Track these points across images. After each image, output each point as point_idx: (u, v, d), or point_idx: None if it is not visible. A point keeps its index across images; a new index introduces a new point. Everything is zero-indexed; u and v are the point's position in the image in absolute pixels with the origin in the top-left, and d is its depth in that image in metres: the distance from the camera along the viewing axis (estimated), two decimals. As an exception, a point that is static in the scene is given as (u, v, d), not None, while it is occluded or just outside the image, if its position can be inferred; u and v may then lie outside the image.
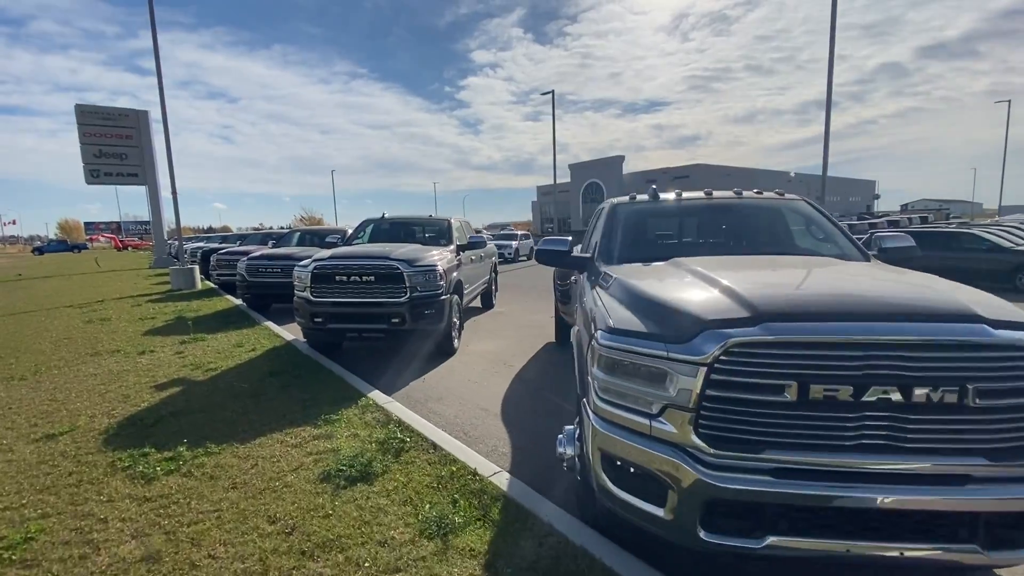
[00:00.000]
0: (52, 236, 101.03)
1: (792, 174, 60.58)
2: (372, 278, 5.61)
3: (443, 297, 5.84)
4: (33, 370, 5.82)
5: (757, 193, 3.77)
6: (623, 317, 2.12)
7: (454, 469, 3.08)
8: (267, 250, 10.38)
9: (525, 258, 27.02)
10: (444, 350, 6.30)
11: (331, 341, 6.29)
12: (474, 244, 7.33)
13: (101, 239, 77.52)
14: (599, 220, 4.38)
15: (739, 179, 53.67)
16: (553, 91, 29.23)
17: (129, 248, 65.03)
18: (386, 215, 8.15)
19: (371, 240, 7.70)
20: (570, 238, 3.49)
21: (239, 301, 11.11)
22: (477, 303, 9.71)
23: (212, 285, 14.59)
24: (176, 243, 31.95)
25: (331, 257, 5.82)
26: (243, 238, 18.29)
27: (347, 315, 5.66)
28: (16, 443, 3.74)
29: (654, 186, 3.81)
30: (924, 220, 25.93)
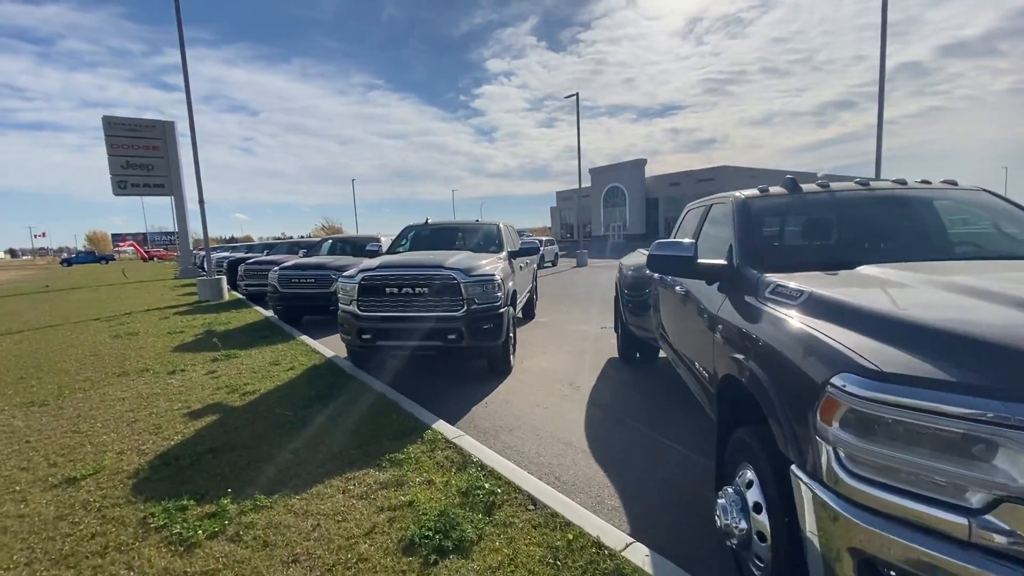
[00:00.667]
0: (80, 247, 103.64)
1: (820, 175, 58.95)
2: (426, 289, 5.00)
3: (502, 310, 5.21)
4: (56, 393, 5.33)
5: (923, 182, 3.06)
6: (893, 356, 1.43)
7: (570, 537, 2.42)
8: (299, 260, 9.90)
9: (550, 264, 26.37)
10: (500, 369, 5.66)
11: (372, 357, 5.69)
12: (526, 250, 6.70)
13: (125, 247, 79.00)
14: (706, 219, 3.71)
15: (765, 180, 51.51)
16: (577, 94, 28.64)
17: (154, 259, 66.05)
18: (430, 220, 7.56)
19: (412, 247, 7.11)
20: (694, 241, 2.82)
21: (269, 313, 10.65)
22: (518, 313, 9.07)
23: (240, 296, 14.22)
24: (202, 253, 32.10)
25: (380, 267, 5.24)
26: (270, 247, 17.99)
27: (398, 331, 5.06)
28: (32, 489, 3.19)
29: (790, 176, 3.14)
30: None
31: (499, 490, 2.87)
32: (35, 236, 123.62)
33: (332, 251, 11.19)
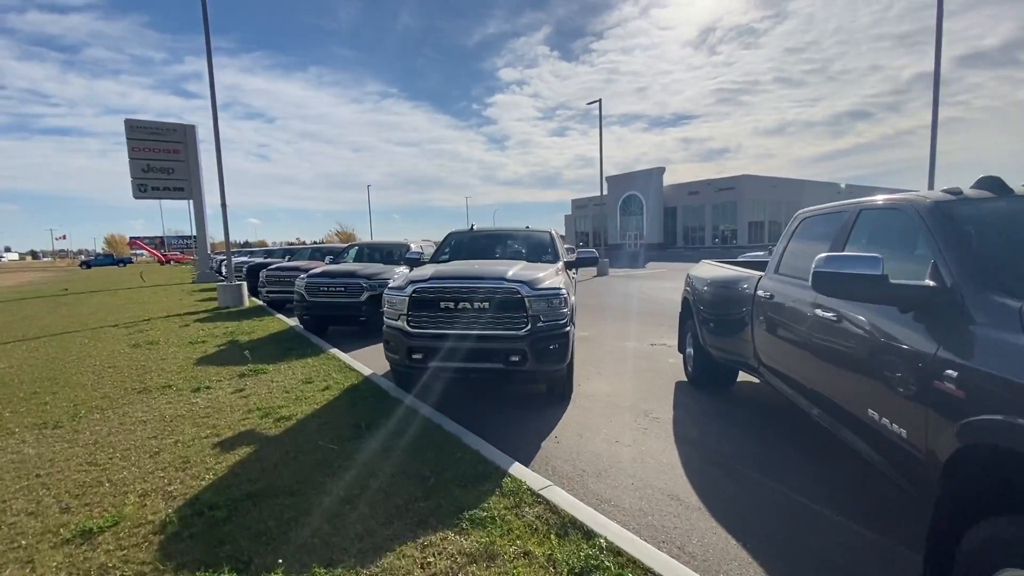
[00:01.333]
0: (99, 250, 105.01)
1: (843, 185, 57.88)
2: (486, 304, 4.41)
3: (568, 329, 4.60)
4: (71, 413, 4.81)
5: None
6: None
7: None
8: (327, 267, 9.38)
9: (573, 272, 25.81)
10: (560, 393, 5.05)
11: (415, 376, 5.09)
12: (584, 260, 6.08)
13: (143, 252, 79.69)
14: (852, 229, 3.07)
15: (787, 190, 51.34)
16: (600, 100, 28.10)
17: (171, 262, 66.47)
18: (475, 226, 6.98)
19: (455, 256, 6.50)
20: (879, 256, 2.19)
21: (293, 322, 10.13)
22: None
23: (260, 303, 13.77)
24: (221, 258, 31.92)
25: (433, 278, 4.65)
26: (291, 253, 17.57)
27: (454, 351, 4.47)
28: (40, 544, 2.63)
29: (982, 176, 2.51)
30: None
31: (623, 572, 2.24)
32: (56, 239, 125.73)
33: (359, 257, 10.68)
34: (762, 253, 18.43)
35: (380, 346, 8.11)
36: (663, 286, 17.53)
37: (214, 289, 18.66)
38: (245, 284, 13.62)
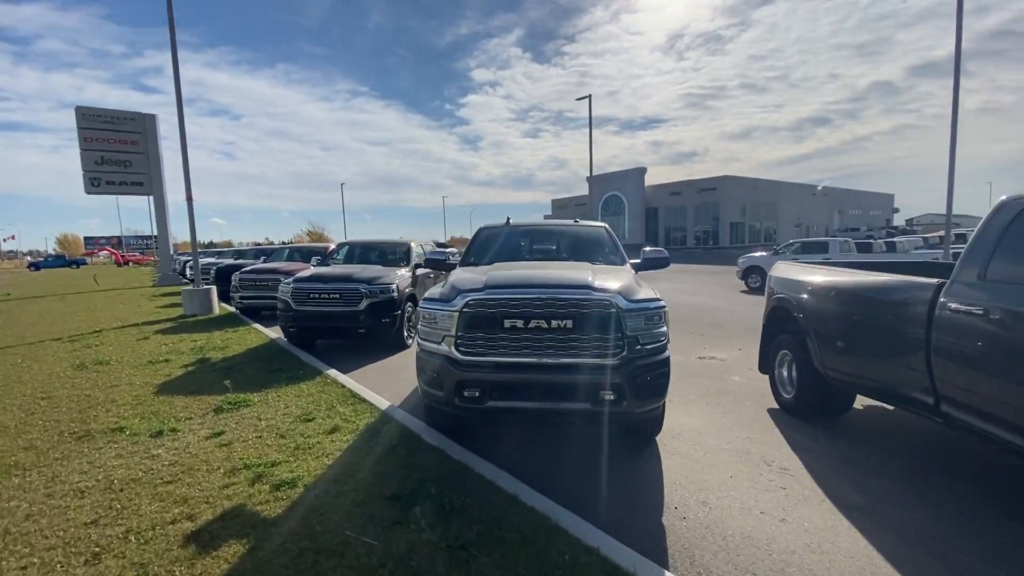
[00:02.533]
0: (52, 251, 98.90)
1: (820, 187, 58.70)
2: (568, 322, 3.23)
3: (666, 354, 3.46)
4: (-24, 478, 3.41)
5: None
6: None
7: None
8: (316, 270, 7.99)
9: None
10: (647, 433, 3.91)
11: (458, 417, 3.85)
12: (654, 262, 4.93)
13: (101, 254, 75.15)
14: None
15: (767, 191, 51.66)
16: (590, 96, 27.22)
17: (130, 263, 62.71)
18: (511, 220, 5.72)
19: (495, 258, 5.12)
20: None
21: (274, 333, 8.72)
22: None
23: (232, 310, 12.21)
24: (186, 259, 29.63)
25: (492, 287, 3.42)
26: (266, 253, 15.91)
27: (525, 387, 3.27)
28: None
29: None
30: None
31: None
32: (4, 239, 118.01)
33: (350, 258, 9.31)
34: (763, 254, 17.72)
35: (387, 364, 7.09)
36: (663, 287, 16.60)
37: (178, 294, 16.86)
38: (215, 289, 12.03)
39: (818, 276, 4.32)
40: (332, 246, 12.96)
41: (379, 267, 8.12)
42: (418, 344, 3.69)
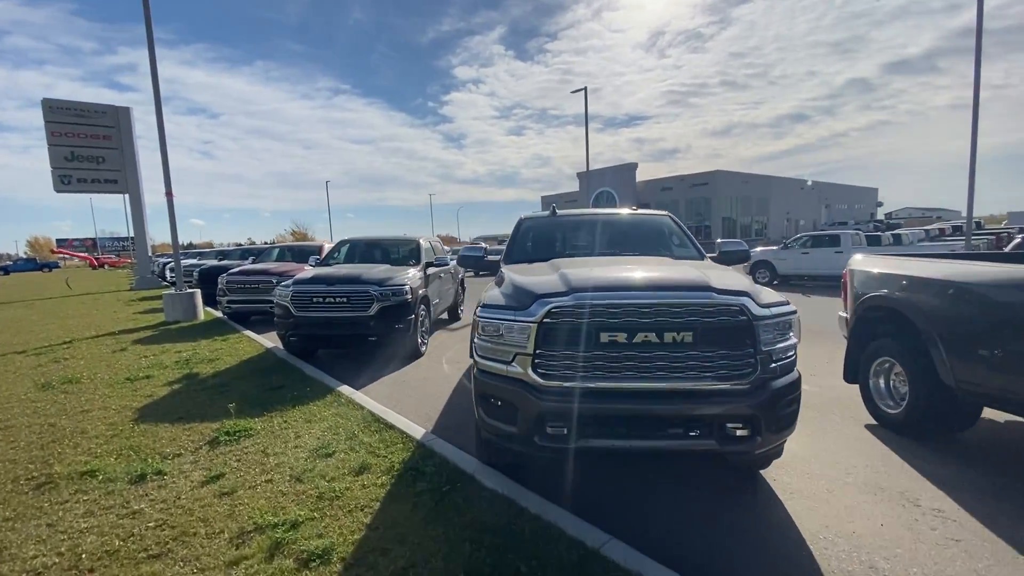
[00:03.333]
0: (23, 254, 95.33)
1: (809, 182, 58.93)
2: (687, 333, 2.47)
3: (798, 373, 2.74)
4: None
5: None
6: None
7: None
8: (318, 270, 7.12)
9: None
10: (757, 467, 3.19)
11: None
12: (733, 256, 4.19)
13: (73, 257, 72.38)
14: None
15: (757, 186, 51.62)
16: (585, 88, 26.51)
17: (105, 266, 60.44)
18: (555, 210, 4.90)
19: (546, 255, 4.19)
20: None
21: (269, 341, 7.84)
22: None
23: (219, 315, 11.24)
24: (165, 260, 28.23)
25: (578, 289, 2.63)
26: (254, 253, 14.88)
27: (632, 420, 2.51)
28: None
29: None
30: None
31: None
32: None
33: (352, 257, 8.44)
34: (777, 247, 17.18)
35: (403, 377, 6.09)
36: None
37: (158, 298, 15.78)
38: (199, 292, 11.05)
39: (943, 269, 3.62)
40: (326, 245, 12.05)
41: (387, 267, 7.29)
42: (476, 364, 2.92)
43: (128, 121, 21.71)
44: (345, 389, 5.14)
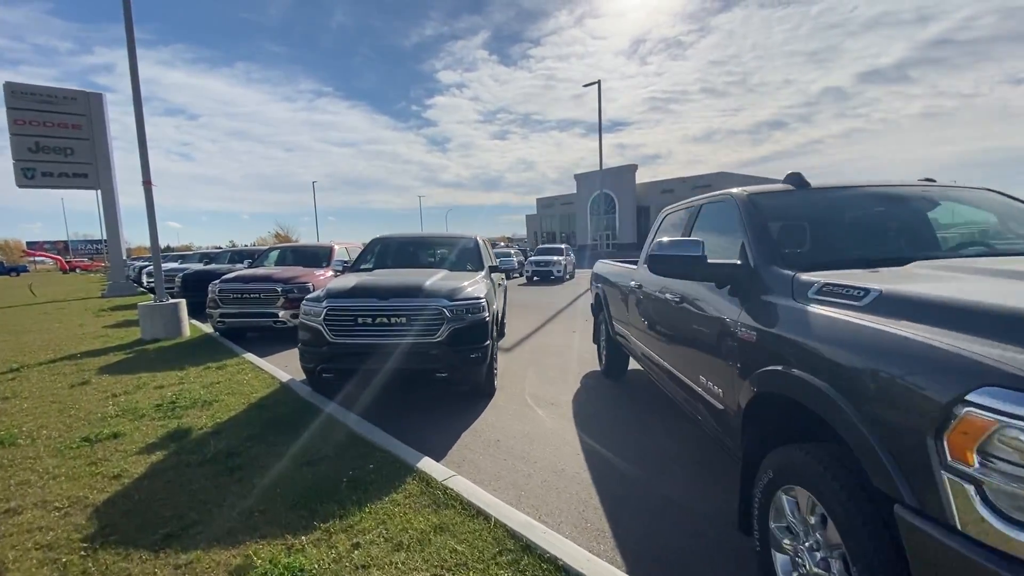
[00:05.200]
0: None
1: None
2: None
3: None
4: None
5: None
6: None
7: None
8: (359, 279, 5.18)
9: (569, 278, 21.22)
10: None
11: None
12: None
13: (45, 259, 68.67)
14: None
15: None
16: (599, 82, 24.99)
17: (77, 270, 57.21)
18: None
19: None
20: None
21: (281, 370, 5.97)
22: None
23: (208, 330, 9.27)
24: (141, 264, 25.81)
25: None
26: (250, 256, 12.82)
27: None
28: None
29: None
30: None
31: None
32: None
33: (384, 261, 6.57)
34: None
35: (486, 430, 4.32)
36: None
37: (132, 307, 13.69)
38: (183, 303, 9.07)
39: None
40: (336, 246, 10.19)
41: (446, 273, 5.47)
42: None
43: (100, 109, 19.51)
44: (433, 468, 3.32)
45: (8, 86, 18.01)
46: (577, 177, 55.75)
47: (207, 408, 4.76)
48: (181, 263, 18.09)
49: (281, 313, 8.10)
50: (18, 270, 57.59)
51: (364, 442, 3.77)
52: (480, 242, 6.49)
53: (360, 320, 4.43)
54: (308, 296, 4.85)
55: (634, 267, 4.75)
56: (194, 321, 10.24)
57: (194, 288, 11.69)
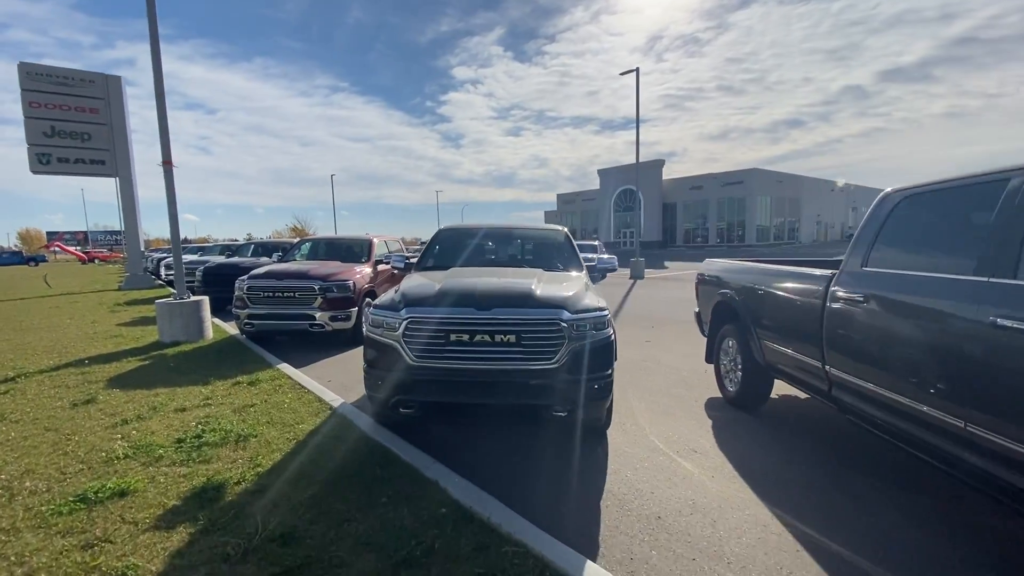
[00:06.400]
0: (14, 246, 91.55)
1: (840, 183, 56.25)
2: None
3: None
4: None
5: None
6: None
7: None
8: (451, 280, 3.96)
9: (602, 277, 20.16)
10: None
11: None
12: None
13: (66, 251, 68.86)
14: None
15: (790, 186, 48.84)
16: (637, 69, 23.54)
17: (96, 260, 57.11)
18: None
19: None
20: None
21: (331, 394, 4.83)
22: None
23: (232, 332, 8.20)
24: (160, 256, 24.97)
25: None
26: (280, 248, 11.70)
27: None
28: None
29: None
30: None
31: None
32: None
33: (456, 258, 5.35)
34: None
35: (640, 501, 2.63)
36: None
37: (150, 301, 12.72)
38: (206, 301, 7.99)
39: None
40: (375, 239, 9.05)
41: (550, 274, 4.27)
42: None
43: (119, 92, 18.61)
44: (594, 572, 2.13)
45: (23, 66, 17.16)
46: (601, 173, 54.28)
47: (242, 446, 3.62)
48: (201, 255, 17.11)
49: (318, 315, 6.98)
50: (36, 260, 57.62)
51: (479, 522, 2.59)
52: (570, 236, 5.29)
53: (454, 337, 3.24)
54: (378, 303, 3.67)
55: (820, 271, 3.52)
56: (216, 320, 9.19)
57: (215, 283, 10.67)
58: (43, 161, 17.31)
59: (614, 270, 4.97)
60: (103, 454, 3.55)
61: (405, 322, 3.29)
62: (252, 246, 13.48)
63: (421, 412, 3.36)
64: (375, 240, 8.97)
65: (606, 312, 3.48)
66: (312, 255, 9.32)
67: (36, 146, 17.22)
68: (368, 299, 7.79)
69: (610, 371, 3.42)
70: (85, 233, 75.22)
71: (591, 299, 3.56)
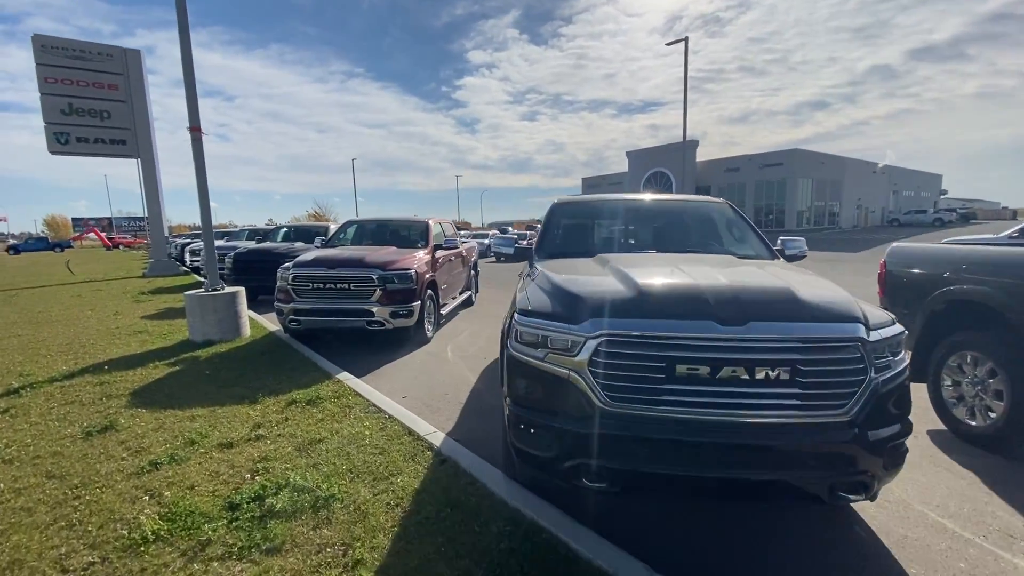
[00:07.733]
0: (41, 232, 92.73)
1: (880, 165, 53.30)
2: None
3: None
4: None
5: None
6: None
7: None
8: (603, 269, 2.72)
9: None
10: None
11: None
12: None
13: (90, 235, 69.23)
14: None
15: (832, 168, 46.32)
16: (687, 38, 21.73)
17: (120, 247, 57.15)
18: None
19: None
20: None
21: (425, 424, 3.62)
22: None
23: (272, 328, 7.06)
24: (184, 241, 24.07)
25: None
26: (326, 236, 10.47)
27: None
28: None
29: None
30: None
31: None
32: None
33: (585, 234, 4.06)
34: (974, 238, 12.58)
35: None
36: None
37: (175, 290, 11.71)
38: (243, 293, 6.84)
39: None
40: (432, 221, 7.80)
41: (765, 263, 2.98)
42: None
43: (139, 67, 17.55)
44: None
45: (37, 39, 16.14)
46: (630, 155, 52.20)
47: (325, 521, 2.43)
48: (227, 240, 16.08)
49: (377, 310, 5.78)
50: (62, 246, 57.82)
51: None
52: (729, 209, 3.96)
53: (682, 369, 1.96)
54: (531, 307, 2.39)
55: None
56: (251, 313, 8.07)
57: (247, 271, 9.58)
58: (61, 141, 16.37)
59: (804, 256, 3.61)
60: (125, 532, 2.38)
61: (598, 342, 2.02)
62: (283, 230, 12.32)
63: (620, 486, 2.09)
64: (431, 222, 7.72)
65: (902, 329, 2.17)
66: (357, 240, 8.11)
67: (53, 124, 16.27)
68: (429, 291, 6.58)
69: (910, 421, 2.13)
70: (109, 219, 75.49)
71: (868, 307, 2.25)
